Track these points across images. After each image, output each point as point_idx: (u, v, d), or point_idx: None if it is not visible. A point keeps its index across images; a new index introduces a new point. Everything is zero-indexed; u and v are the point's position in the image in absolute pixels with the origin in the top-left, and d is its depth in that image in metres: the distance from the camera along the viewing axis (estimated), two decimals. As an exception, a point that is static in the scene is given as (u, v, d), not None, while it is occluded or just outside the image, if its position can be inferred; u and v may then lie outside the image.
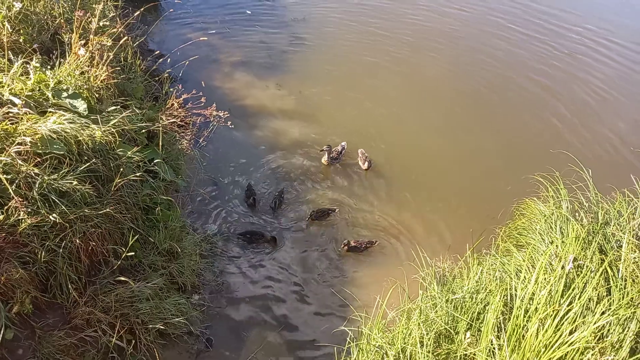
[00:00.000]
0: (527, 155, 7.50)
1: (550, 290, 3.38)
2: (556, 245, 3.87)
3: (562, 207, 4.35)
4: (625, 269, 3.44)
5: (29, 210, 3.55)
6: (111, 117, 4.78)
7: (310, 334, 5.12)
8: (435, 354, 3.66)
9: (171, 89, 6.49)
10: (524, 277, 3.57)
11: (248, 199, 6.40)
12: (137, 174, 4.48)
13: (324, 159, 7.04)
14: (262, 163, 7.07)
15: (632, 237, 3.70)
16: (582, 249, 3.66)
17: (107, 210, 4.04)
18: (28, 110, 4.15)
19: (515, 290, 3.64)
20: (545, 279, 3.49)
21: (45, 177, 3.75)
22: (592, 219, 4.20)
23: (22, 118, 4.08)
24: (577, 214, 4.33)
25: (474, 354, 3.61)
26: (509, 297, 3.68)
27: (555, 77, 9.45)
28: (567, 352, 3.08)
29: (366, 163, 7.02)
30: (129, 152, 4.63)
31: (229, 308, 5.20)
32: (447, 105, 8.48)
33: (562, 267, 3.41)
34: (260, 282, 5.55)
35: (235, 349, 4.86)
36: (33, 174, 3.72)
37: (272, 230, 6.14)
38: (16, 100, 4.26)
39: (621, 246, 3.74)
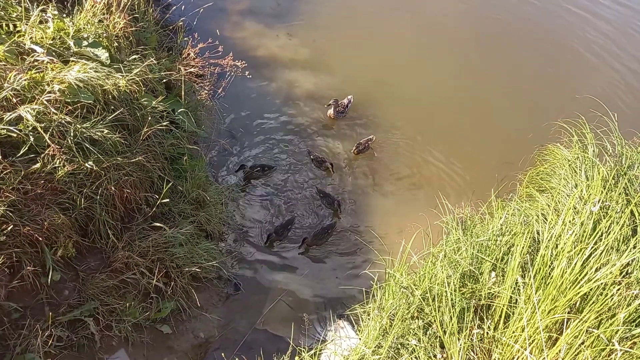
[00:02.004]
0: (547, 102, 7.44)
1: (575, 231, 3.48)
2: (581, 190, 3.93)
3: (587, 151, 4.39)
4: (652, 209, 3.53)
5: (65, 158, 3.60)
6: (132, 67, 4.75)
7: (335, 279, 5.30)
8: (460, 292, 3.82)
9: (186, 39, 6.39)
10: (551, 218, 3.66)
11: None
12: (164, 124, 4.50)
13: (330, 112, 7.01)
14: (275, 115, 7.03)
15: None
16: (607, 192, 3.73)
17: (139, 158, 4.09)
18: (52, 58, 4.12)
19: (540, 232, 3.74)
20: (571, 220, 3.59)
21: (78, 125, 3.78)
22: (615, 163, 4.25)
23: (46, 67, 4.06)
24: (600, 159, 4.38)
25: (499, 292, 3.78)
26: (533, 239, 3.79)
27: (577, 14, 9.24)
28: (592, 288, 3.23)
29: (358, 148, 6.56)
30: (154, 102, 4.63)
31: (254, 255, 5.36)
32: (464, 52, 8.31)
33: (590, 209, 3.49)
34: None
35: (262, 292, 5.06)
36: (65, 122, 3.75)
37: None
38: (38, 49, 4.21)
39: (645, 189, 3.82)
